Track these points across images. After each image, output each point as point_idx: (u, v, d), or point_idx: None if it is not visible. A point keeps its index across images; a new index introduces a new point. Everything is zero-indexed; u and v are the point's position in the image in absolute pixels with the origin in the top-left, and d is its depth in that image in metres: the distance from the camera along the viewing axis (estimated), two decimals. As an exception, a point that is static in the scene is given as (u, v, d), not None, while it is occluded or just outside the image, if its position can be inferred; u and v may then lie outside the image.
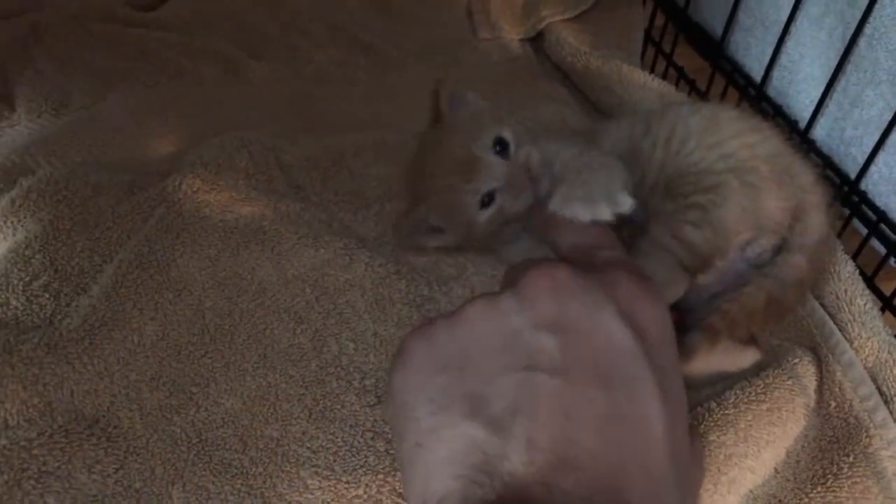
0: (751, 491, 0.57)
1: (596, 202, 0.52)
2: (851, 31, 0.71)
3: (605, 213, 0.51)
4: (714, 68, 0.95)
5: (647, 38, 1.08)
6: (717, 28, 0.94)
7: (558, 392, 0.37)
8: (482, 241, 0.64)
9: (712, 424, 0.56)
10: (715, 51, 0.94)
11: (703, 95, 0.96)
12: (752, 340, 0.63)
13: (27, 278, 0.61)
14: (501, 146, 0.60)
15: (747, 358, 0.62)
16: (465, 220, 0.62)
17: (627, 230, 0.59)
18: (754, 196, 0.61)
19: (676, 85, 0.95)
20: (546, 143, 0.64)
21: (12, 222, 0.65)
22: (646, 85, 0.89)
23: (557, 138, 0.65)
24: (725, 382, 0.60)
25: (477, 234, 0.63)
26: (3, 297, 0.60)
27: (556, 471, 0.35)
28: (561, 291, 0.40)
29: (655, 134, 0.66)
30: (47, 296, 0.61)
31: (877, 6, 0.69)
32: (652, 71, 1.01)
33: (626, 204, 0.53)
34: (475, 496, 0.35)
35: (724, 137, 0.64)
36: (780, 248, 0.62)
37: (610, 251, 0.47)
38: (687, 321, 0.62)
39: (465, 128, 0.62)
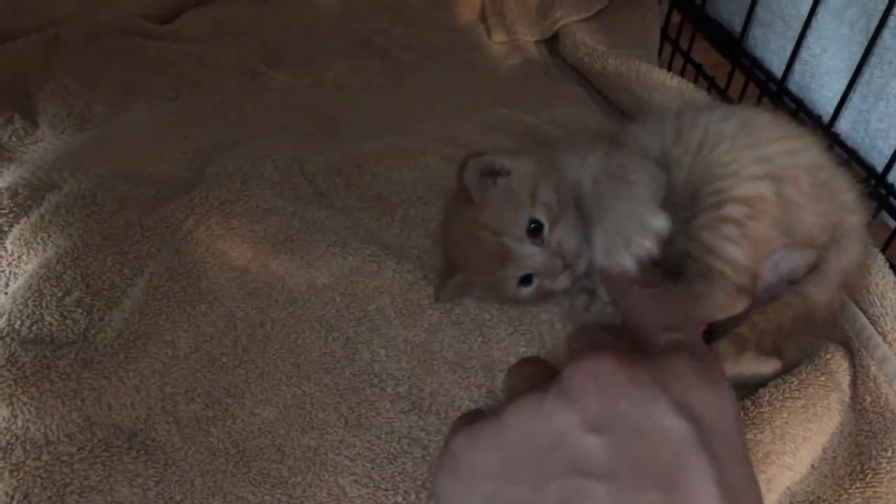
0: (788, 488, 0.56)
1: (632, 242, 0.52)
2: (875, 22, 0.71)
3: (648, 247, 0.51)
4: (733, 65, 0.94)
5: (664, 35, 1.08)
6: (735, 24, 0.94)
7: (607, 498, 0.36)
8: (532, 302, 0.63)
9: (748, 423, 0.56)
10: (734, 47, 0.94)
11: (723, 92, 0.95)
12: (776, 351, 0.62)
13: (60, 294, 0.61)
14: (535, 229, 0.58)
15: (769, 367, 0.61)
16: (505, 293, 0.61)
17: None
18: (790, 209, 0.60)
19: (695, 82, 0.95)
20: (569, 157, 0.63)
21: (42, 238, 0.65)
22: (664, 84, 0.88)
23: (578, 149, 0.64)
24: (747, 388, 0.60)
25: (522, 301, 0.62)
26: (38, 313, 0.60)
27: None
28: (608, 387, 0.39)
29: (687, 140, 0.64)
30: (80, 311, 0.61)
31: (900, -3, 0.68)
32: (669, 69, 1.01)
33: (663, 224, 0.53)
34: None
35: (762, 140, 0.62)
36: (815, 266, 0.62)
37: (672, 333, 0.45)
38: (714, 330, 0.61)
39: (496, 215, 0.59)
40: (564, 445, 0.38)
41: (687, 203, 0.62)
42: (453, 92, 1.01)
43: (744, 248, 0.58)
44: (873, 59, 0.73)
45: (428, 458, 0.56)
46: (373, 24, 1.12)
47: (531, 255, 0.58)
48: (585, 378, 0.40)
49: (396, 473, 0.55)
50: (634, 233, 0.52)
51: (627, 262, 0.51)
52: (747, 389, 0.60)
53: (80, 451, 0.53)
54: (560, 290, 0.60)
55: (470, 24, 1.15)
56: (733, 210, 0.59)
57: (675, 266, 0.61)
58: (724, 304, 0.59)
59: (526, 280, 0.59)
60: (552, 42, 1.12)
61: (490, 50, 1.10)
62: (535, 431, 0.40)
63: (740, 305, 0.59)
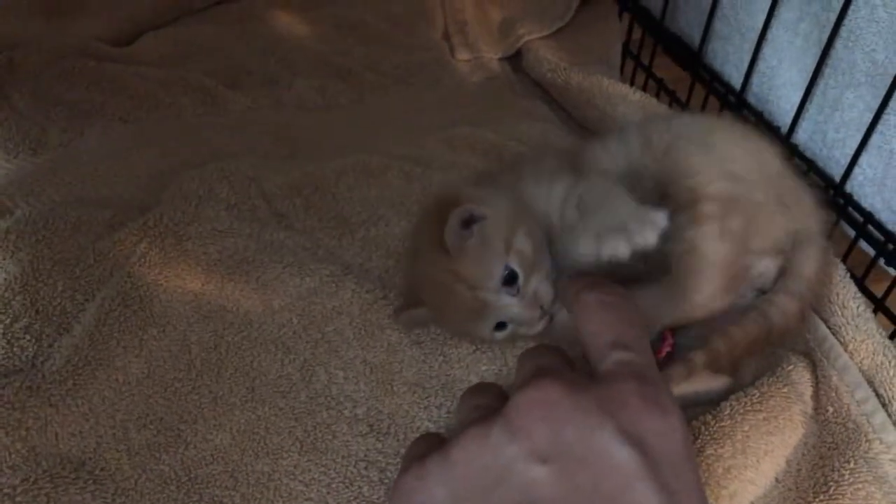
0: (752, 503, 0.56)
1: (633, 232, 0.50)
2: (827, 34, 0.71)
3: (650, 239, 0.50)
4: (693, 78, 0.95)
5: (626, 51, 1.09)
6: (694, 37, 0.95)
7: None
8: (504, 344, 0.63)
9: (709, 438, 0.55)
10: (693, 61, 0.94)
11: (684, 106, 0.96)
12: (733, 367, 0.61)
13: (7, 321, 0.60)
14: (510, 278, 0.57)
15: (720, 383, 0.61)
16: (477, 336, 0.61)
17: None
18: (757, 210, 0.60)
19: (657, 96, 0.95)
20: (536, 187, 0.62)
21: (-9, 265, 0.64)
22: (627, 97, 0.89)
23: (543, 179, 0.63)
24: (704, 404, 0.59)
25: (493, 342, 0.61)
26: (-17, 341, 0.58)
27: None
28: (553, 415, 0.39)
29: (656, 146, 0.64)
30: (29, 338, 0.59)
31: (851, 8, 0.69)
32: (632, 84, 1.02)
33: (664, 219, 0.51)
34: None
35: (727, 146, 0.63)
36: (783, 274, 0.62)
37: (622, 352, 0.43)
38: (676, 343, 0.61)
39: (472, 268, 0.57)
40: (511, 477, 0.38)
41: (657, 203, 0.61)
42: (417, 110, 1.01)
43: (724, 244, 0.58)
44: (827, 70, 0.73)
45: (385, 481, 0.55)
46: (336, 45, 1.11)
47: (507, 306, 0.57)
48: (530, 407, 0.40)
49: (353, 498, 0.54)
50: (635, 224, 0.51)
51: (622, 249, 0.49)
52: (709, 404, 0.59)
53: (24, 482, 0.51)
54: (534, 335, 0.59)
55: (433, 43, 1.15)
56: (708, 207, 0.58)
57: (652, 268, 0.60)
58: (707, 301, 0.58)
59: (500, 325, 0.59)
60: (516, 59, 1.12)
61: (454, 68, 1.10)
62: (482, 464, 0.40)
63: (722, 303, 0.59)
